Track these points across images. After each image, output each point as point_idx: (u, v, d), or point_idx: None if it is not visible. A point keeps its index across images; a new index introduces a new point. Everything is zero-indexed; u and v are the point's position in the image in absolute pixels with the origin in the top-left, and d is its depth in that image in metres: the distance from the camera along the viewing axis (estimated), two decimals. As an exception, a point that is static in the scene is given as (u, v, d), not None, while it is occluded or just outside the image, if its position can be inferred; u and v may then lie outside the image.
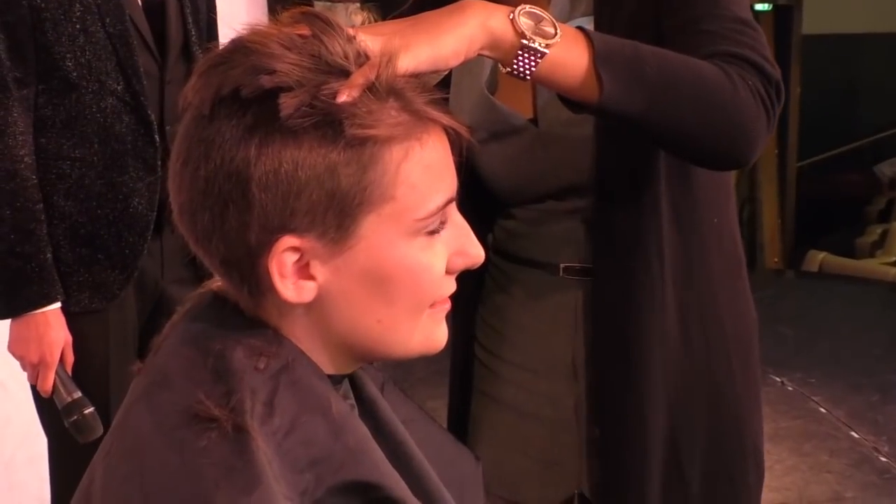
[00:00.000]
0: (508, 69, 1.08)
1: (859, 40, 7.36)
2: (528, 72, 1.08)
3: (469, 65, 1.40)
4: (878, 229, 6.46)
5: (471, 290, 1.50)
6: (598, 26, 1.28)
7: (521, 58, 1.07)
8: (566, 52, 1.09)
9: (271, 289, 0.88)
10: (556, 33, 1.08)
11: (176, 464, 0.81)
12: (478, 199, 1.43)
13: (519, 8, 1.07)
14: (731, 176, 1.46)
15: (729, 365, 1.40)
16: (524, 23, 1.06)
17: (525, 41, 1.06)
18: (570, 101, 1.15)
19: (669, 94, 1.13)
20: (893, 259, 6.09)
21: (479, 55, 1.07)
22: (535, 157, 1.36)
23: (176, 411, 0.84)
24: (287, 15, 0.91)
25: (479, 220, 1.44)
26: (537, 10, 1.09)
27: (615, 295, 1.34)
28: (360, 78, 0.86)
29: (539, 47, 1.07)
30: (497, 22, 1.05)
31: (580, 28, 1.12)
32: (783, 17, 6.38)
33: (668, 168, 1.32)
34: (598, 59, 1.09)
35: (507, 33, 1.06)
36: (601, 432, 1.37)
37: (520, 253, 1.45)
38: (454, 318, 1.58)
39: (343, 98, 0.84)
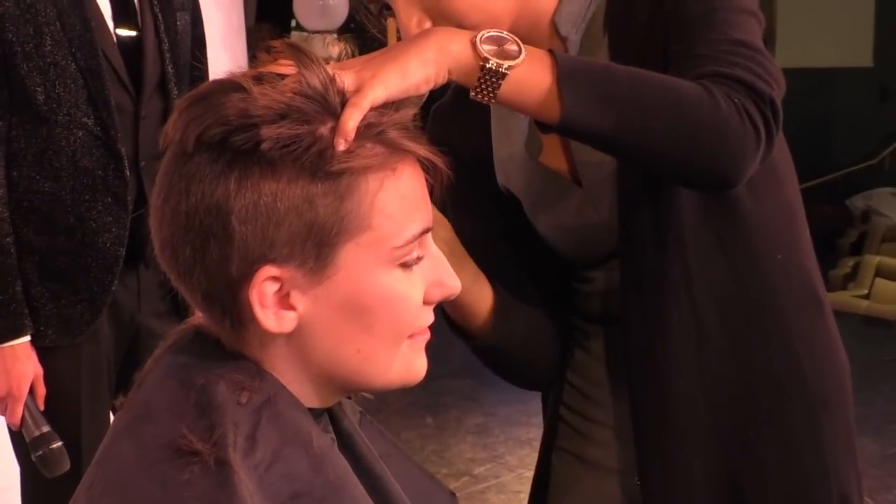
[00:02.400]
0: (473, 93, 1.08)
1: (832, 74, 7.43)
2: (491, 94, 1.08)
3: (506, 130, 1.36)
4: (851, 262, 6.46)
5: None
6: (612, 58, 1.25)
7: (482, 80, 1.07)
8: (529, 74, 1.08)
9: (253, 320, 0.89)
10: (520, 53, 1.08)
11: (159, 497, 0.82)
12: (549, 265, 1.40)
13: (483, 31, 1.08)
14: (798, 208, 1.41)
15: (809, 409, 1.33)
16: (484, 47, 1.07)
17: (483, 63, 1.06)
18: (542, 124, 1.13)
19: (641, 110, 1.11)
20: (865, 292, 6.10)
21: (462, 86, 1.08)
22: (586, 216, 1.33)
23: (159, 445, 0.85)
24: (270, 46, 0.93)
25: (558, 286, 1.40)
26: (501, 33, 1.09)
27: (643, 341, 1.30)
28: (348, 122, 0.88)
29: (499, 69, 1.07)
30: (457, 46, 1.06)
31: (550, 50, 1.12)
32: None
33: (702, 210, 1.27)
34: (562, 77, 1.08)
35: (467, 57, 1.06)
36: (641, 483, 1.32)
37: (592, 310, 1.40)
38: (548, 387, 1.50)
39: (342, 147, 0.87)
